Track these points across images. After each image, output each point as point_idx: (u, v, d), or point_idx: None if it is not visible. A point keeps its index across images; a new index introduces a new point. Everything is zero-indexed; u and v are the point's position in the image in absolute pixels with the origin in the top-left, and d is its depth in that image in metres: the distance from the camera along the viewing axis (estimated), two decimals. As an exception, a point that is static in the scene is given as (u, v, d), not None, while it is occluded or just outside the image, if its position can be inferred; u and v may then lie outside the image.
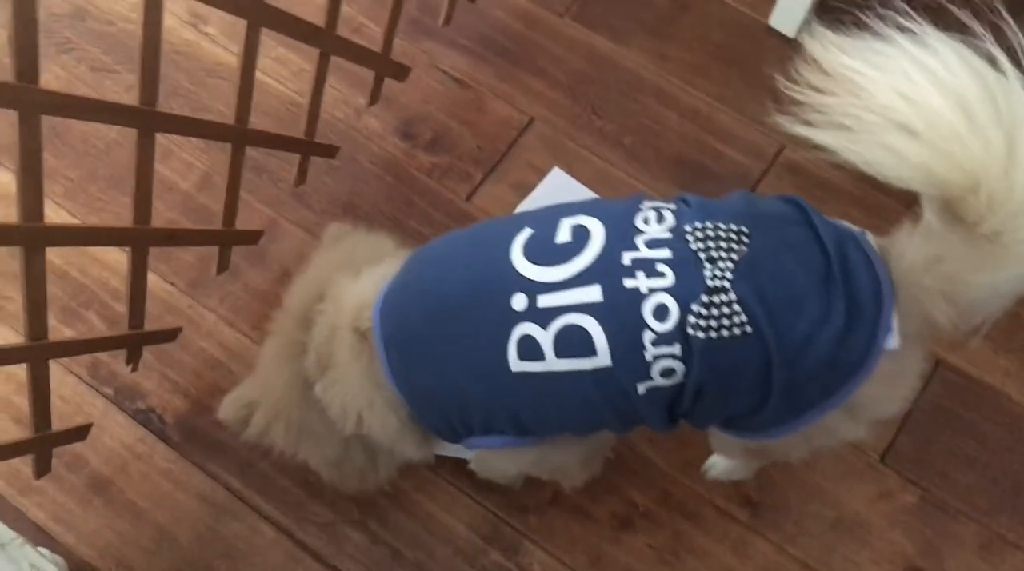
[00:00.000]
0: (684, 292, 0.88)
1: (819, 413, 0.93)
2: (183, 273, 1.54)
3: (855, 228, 0.95)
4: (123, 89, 1.68)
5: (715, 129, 1.65)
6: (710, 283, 0.87)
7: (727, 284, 0.87)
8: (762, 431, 0.98)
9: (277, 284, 1.53)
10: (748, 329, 0.87)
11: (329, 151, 1.57)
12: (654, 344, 0.89)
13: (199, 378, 1.47)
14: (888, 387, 0.94)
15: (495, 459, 1.20)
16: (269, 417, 1.11)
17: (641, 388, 0.92)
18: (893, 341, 0.88)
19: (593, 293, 0.90)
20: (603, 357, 0.90)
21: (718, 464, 1.38)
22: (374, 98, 1.60)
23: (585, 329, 0.90)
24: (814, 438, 1.00)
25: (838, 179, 1.60)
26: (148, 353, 1.46)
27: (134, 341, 1.36)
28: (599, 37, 1.73)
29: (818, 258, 0.88)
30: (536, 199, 1.59)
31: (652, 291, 0.88)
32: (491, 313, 0.93)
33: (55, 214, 1.57)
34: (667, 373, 0.91)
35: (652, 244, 0.90)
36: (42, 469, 1.33)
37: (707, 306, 0.87)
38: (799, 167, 1.62)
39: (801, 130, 0.84)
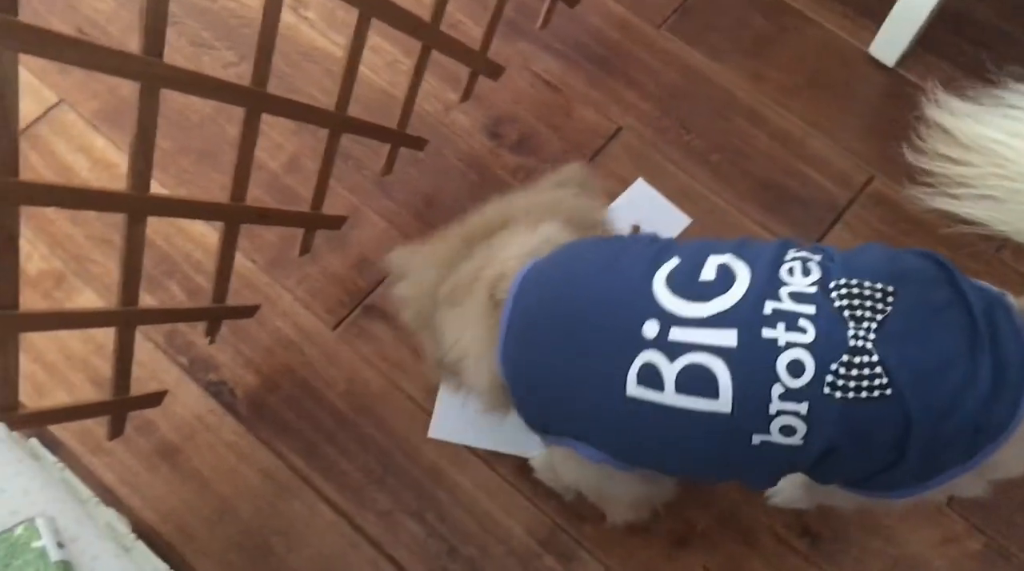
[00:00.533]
0: (824, 351, 0.87)
1: (951, 476, 0.91)
2: (264, 251, 1.56)
3: (995, 289, 0.93)
4: (220, 66, 1.71)
5: (804, 154, 1.64)
6: (852, 343, 0.86)
7: (870, 345, 0.86)
8: (888, 490, 0.96)
9: (354, 270, 1.54)
10: (888, 392, 0.85)
11: (419, 143, 1.58)
12: (781, 398, 0.88)
13: (271, 356, 1.49)
14: (1021, 449, 0.92)
15: (561, 462, 1.20)
16: (404, 296, 1.17)
17: (756, 439, 0.91)
18: None
19: (728, 337, 0.89)
20: (724, 403, 0.89)
21: (783, 490, 1.37)
22: (467, 95, 1.61)
23: (712, 371, 0.89)
24: (932, 495, 0.98)
25: (924, 214, 1.58)
26: (224, 326, 1.48)
27: (216, 315, 1.38)
28: (695, 52, 1.72)
29: (965, 321, 0.86)
30: (618, 208, 1.58)
31: (790, 345, 0.87)
32: (620, 333, 0.93)
33: (145, 183, 1.61)
34: (786, 431, 0.90)
35: (797, 297, 0.89)
36: (116, 431, 1.36)
37: (848, 366, 0.86)
38: (886, 199, 1.60)
39: (943, 203, 0.83)
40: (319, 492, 1.40)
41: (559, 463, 1.19)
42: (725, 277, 0.92)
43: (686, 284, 0.92)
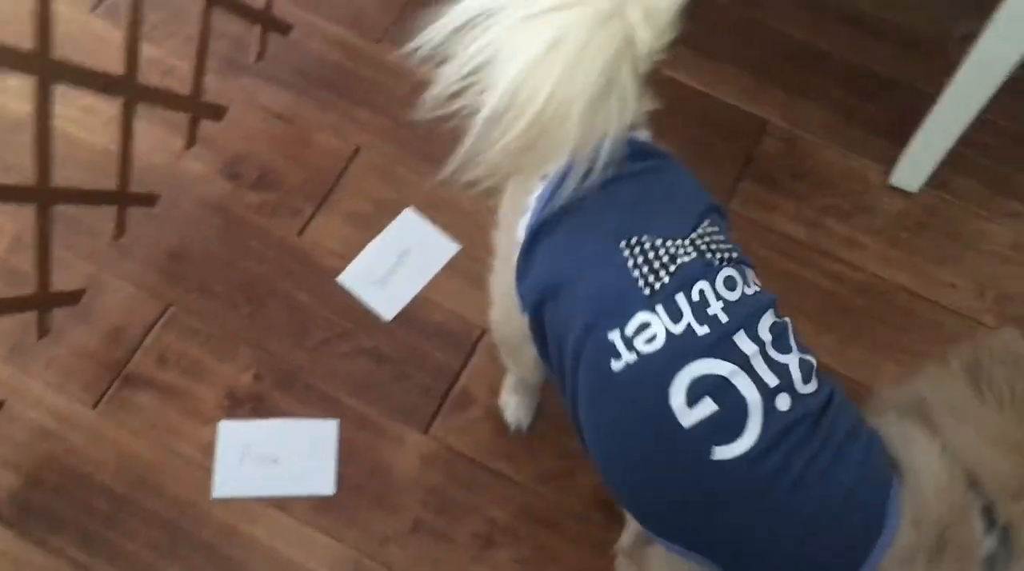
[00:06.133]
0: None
1: None
2: (0, 341, 1.46)
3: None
4: (-81, 153, 1.58)
5: (540, 142, 1.68)
6: None
7: None
8: None
9: (107, 342, 1.47)
10: None
11: (148, 200, 1.52)
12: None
13: (30, 450, 1.40)
14: None
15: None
16: None
17: None
18: None
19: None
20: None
21: None
22: (191, 141, 1.56)
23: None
24: None
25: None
26: (-28, 430, 1.38)
27: (-50, 421, 1.28)
28: (418, 61, 1.73)
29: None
30: (385, 240, 1.57)
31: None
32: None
33: None
34: None
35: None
36: None
37: None
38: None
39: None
40: (106, 580, 1.33)
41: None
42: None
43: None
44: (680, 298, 0.88)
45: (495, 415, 1.45)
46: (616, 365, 0.89)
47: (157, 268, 1.53)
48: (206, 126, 1.61)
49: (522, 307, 1.00)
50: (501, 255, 1.10)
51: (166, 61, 1.68)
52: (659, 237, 0.91)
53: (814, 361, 0.93)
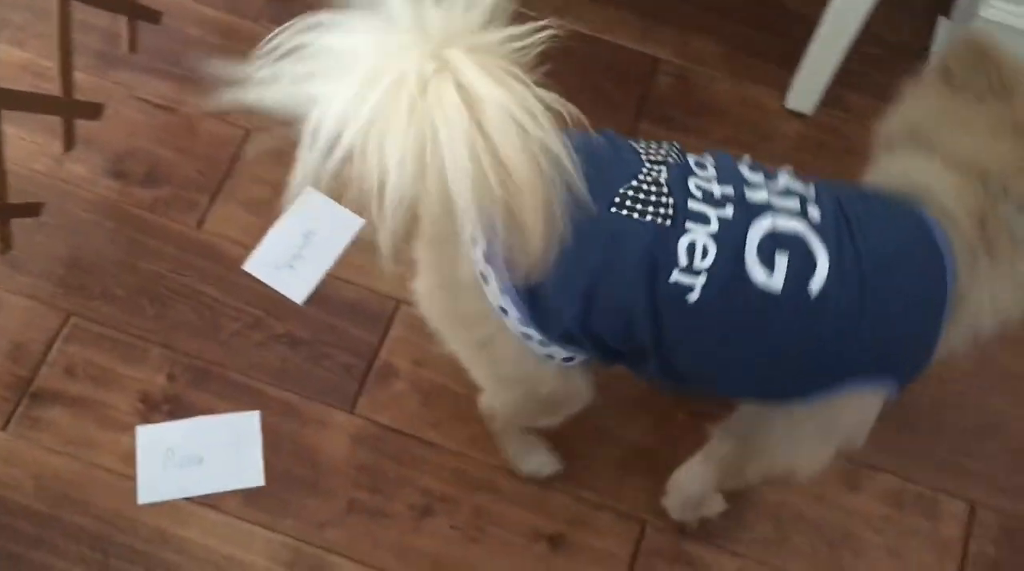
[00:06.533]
0: None
1: None
2: (-103, 373, 1.40)
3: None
4: None
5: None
6: None
7: None
8: None
9: (8, 361, 1.42)
10: None
11: (31, 209, 1.46)
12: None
13: (-59, 482, 1.35)
14: None
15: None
16: None
17: None
18: None
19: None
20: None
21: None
22: (69, 143, 1.50)
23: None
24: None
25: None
26: None
27: None
28: (299, 35, 1.69)
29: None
30: (289, 221, 1.54)
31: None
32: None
33: None
34: None
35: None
36: None
37: None
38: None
39: None
40: (40, 605, 1.30)
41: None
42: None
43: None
44: (693, 204, 0.92)
45: (420, 386, 1.44)
46: (693, 297, 0.91)
47: (52, 279, 1.47)
48: (85, 126, 1.55)
49: (569, 344, 0.99)
50: (475, 341, 1.05)
51: (37, 63, 1.61)
52: (631, 178, 0.92)
53: (789, 167, 1.00)
